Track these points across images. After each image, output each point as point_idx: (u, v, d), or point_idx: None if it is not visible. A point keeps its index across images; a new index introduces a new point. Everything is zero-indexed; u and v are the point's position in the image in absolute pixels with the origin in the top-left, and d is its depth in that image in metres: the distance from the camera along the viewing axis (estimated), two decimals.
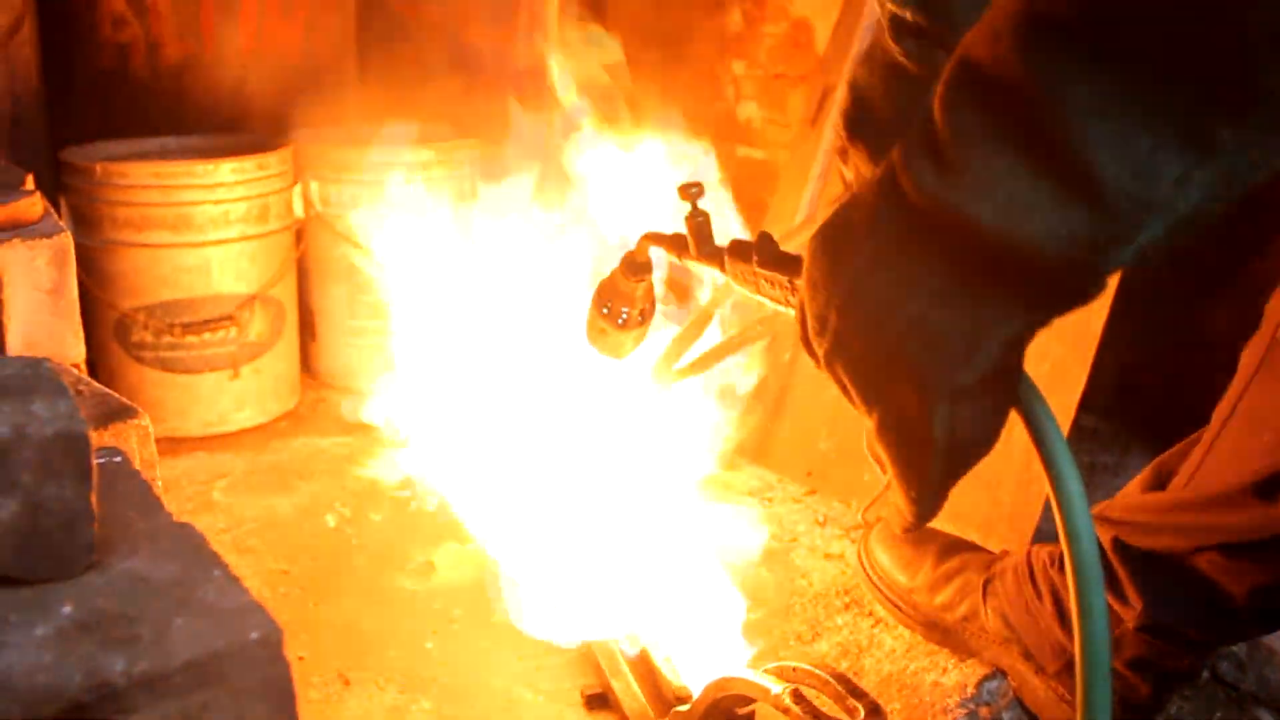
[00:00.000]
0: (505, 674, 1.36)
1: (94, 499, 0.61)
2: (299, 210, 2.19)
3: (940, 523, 0.87)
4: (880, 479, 0.70)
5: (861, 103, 1.01)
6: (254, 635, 0.56)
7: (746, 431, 1.88)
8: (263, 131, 2.30)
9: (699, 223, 1.03)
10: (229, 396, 2.05)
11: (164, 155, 2.17)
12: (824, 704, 0.89)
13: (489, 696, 1.32)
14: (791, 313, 0.86)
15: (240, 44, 2.36)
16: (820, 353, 0.69)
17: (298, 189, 2.18)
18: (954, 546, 1.48)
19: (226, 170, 2.00)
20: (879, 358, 0.64)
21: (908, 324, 0.62)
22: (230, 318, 2.02)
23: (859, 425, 0.69)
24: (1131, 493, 1.29)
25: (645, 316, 1.18)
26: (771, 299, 0.90)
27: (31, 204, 1.44)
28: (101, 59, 2.31)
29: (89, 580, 0.61)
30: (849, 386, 0.68)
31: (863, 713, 0.87)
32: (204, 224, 2.00)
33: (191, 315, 2.01)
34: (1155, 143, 0.53)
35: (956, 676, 1.37)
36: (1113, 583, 1.24)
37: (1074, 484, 0.61)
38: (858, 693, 0.89)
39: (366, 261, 2.15)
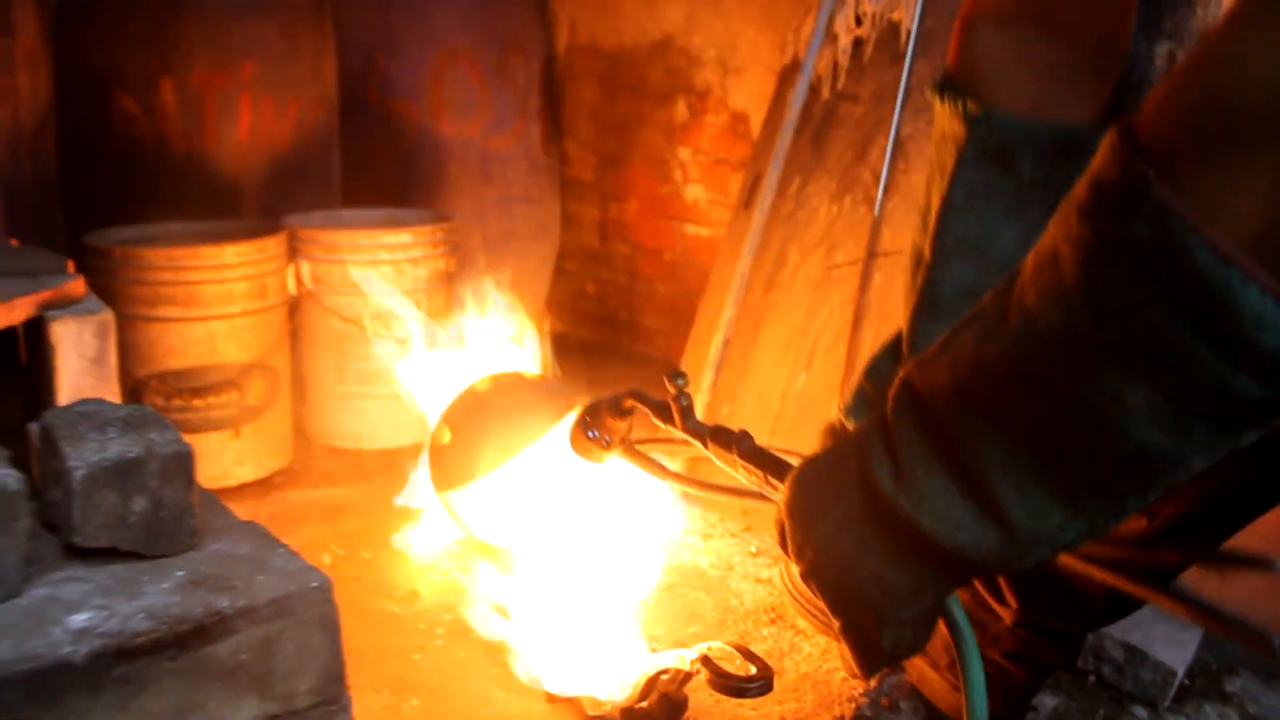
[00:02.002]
0: (482, 678, 1.61)
1: (195, 499, 0.87)
2: (292, 287, 2.45)
3: None
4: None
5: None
6: (314, 584, 0.82)
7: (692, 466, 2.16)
8: (256, 215, 2.57)
9: (684, 405, 1.18)
10: (232, 453, 2.30)
11: (169, 239, 2.43)
12: (730, 669, 1.16)
13: (468, 695, 1.57)
14: (752, 485, 1.07)
15: (238, 139, 2.64)
16: (798, 569, 0.91)
17: (291, 269, 2.45)
18: None
19: (230, 253, 2.27)
20: (845, 591, 0.85)
21: (868, 574, 0.83)
22: (233, 383, 2.28)
23: None
24: None
25: (623, 442, 1.36)
26: (747, 479, 1.07)
27: (76, 285, 1.71)
28: (113, 153, 2.59)
29: (191, 555, 0.87)
30: (819, 596, 0.90)
31: (754, 669, 1.13)
32: (209, 300, 2.26)
33: (198, 381, 2.26)
34: (1043, 496, 0.71)
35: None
36: (994, 588, 1.44)
37: (977, 671, 0.86)
38: (754, 659, 1.15)
39: (352, 333, 2.42)
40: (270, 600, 0.80)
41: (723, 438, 1.08)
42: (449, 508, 1.94)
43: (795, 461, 0.95)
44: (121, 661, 0.74)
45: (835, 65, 2.27)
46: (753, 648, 1.67)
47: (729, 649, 1.19)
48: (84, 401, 0.93)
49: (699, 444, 1.14)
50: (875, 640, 0.84)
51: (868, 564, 0.81)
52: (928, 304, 1.25)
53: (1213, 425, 0.65)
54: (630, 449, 1.35)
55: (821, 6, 2.28)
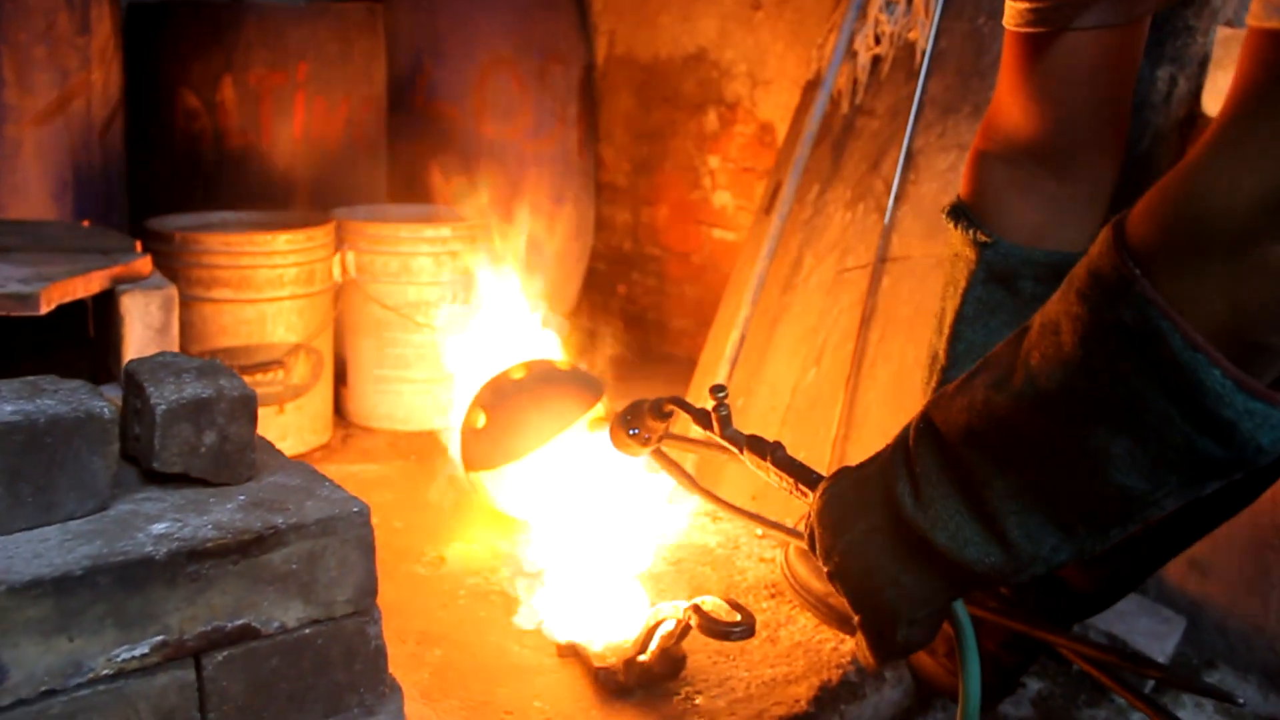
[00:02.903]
0: (500, 634, 1.75)
1: (256, 436, 1.02)
2: (337, 275, 2.62)
3: None
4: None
5: None
6: (354, 509, 0.97)
7: (701, 464, 2.29)
8: (307, 207, 2.74)
9: (723, 415, 1.31)
10: (275, 429, 2.46)
11: (226, 227, 2.61)
12: (719, 618, 1.29)
13: (486, 648, 1.71)
14: (783, 488, 1.21)
15: (292, 135, 2.82)
16: (825, 568, 1.04)
17: (337, 257, 2.61)
18: None
19: (282, 240, 2.43)
20: (867, 593, 0.97)
21: (888, 579, 0.95)
22: (280, 362, 2.45)
23: None
24: None
25: (659, 439, 1.50)
26: (778, 484, 1.21)
27: (144, 263, 1.87)
28: (176, 146, 2.77)
29: (250, 485, 1.02)
30: (842, 594, 1.03)
31: (739, 617, 1.26)
32: (261, 284, 2.43)
33: (248, 359, 2.43)
34: (1040, 523, 0.85)
35: (850, 645, 1.75)
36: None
37: (974, 665, 0.98)
38: (740, 609, 1.28)
39: (392, 320, 2.58)
40: (317, 520, 0.95)
41: (757, 446, 1.23)
42: (478, 484, 2.09)
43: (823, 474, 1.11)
44: (193, 561, 0.89)
45: (854, 81, 2.40)
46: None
47: (719, 601, 1.33)
48: (162, 354, 1.08)
49: (735, 450, 1.27)
50: (890, 635, 0.98)
51: (888, 571, 0.95)
52: None
53: (1183, 476, 0.80)
54: (663, 455, 1.50)
55: (843, 26, 2.42)
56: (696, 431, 1.39)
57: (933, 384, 1.44)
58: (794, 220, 2.41)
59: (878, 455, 1.00)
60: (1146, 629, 1.99)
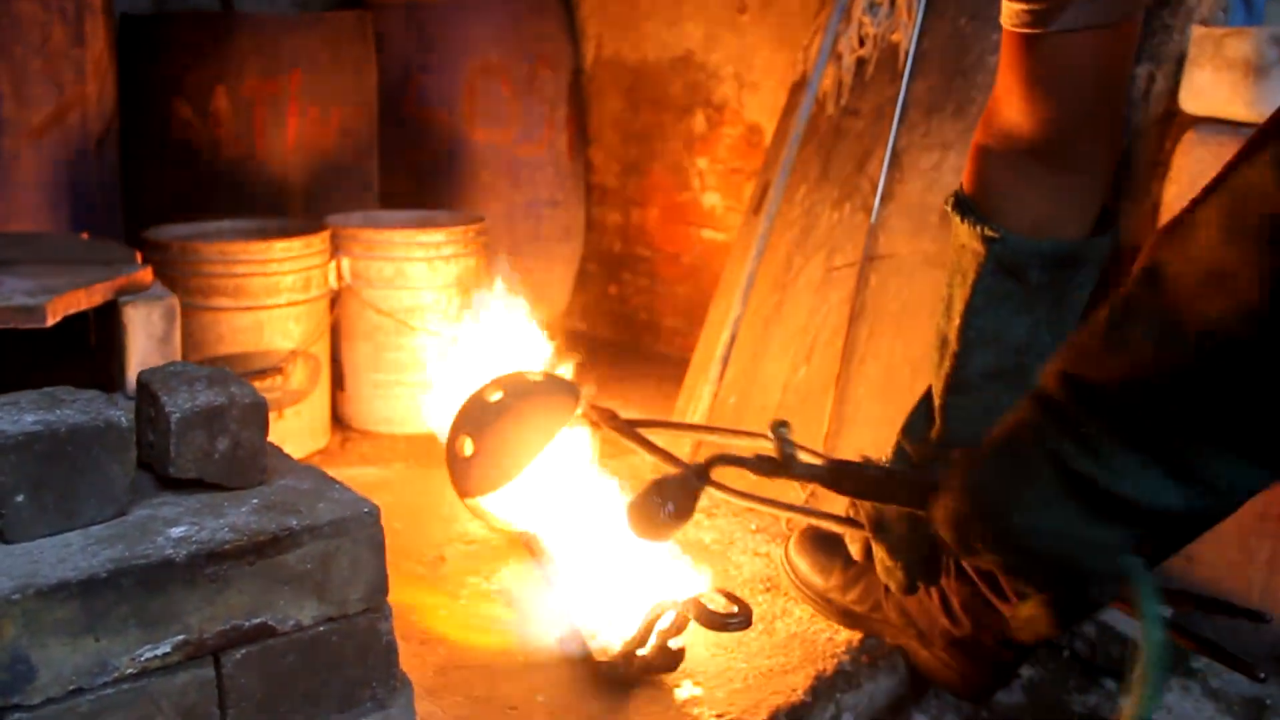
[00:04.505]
0: (501, 632, 1.79)
1: (267, 442, 1.06)
2: (333, 281, 2.65)
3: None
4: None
5: None
6: (365, 510, 1.01)
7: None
8: (301, 214, 2.77)
9: (789, 453, 1.23)
10: (275, 434, 2.43)
11: (221, 236, 2.64)
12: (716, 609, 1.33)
13: (486, 645, 1.75)
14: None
15: (285, 144, 2.85)
16: (991, 559, 1.00)
17: (333, 264, 2.64)
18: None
19: (277, 249, 2.46)
20: (1055, 561, 0.96)
21: (1076, 542, 0.94)
22: (278, 369, 2.48)
23: None
24: None
25: (690, 513, 1.33)
26: (862, 507, 1.22)
27: (146, 274, 1.90)
28: (171, 156, 2.80)
29: (262, 488, 1.06)
30: (1020, 579, 1.03)
31: (736, 608, 1.30)
32: (257, 292, 2.46)
33: (245, 366, 2.45)
34: (1236, 458, 0.85)
35: (845, 636, 1.80)
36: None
37: (1156, 620, 0.94)
38: (737, 601, 1.32)
39: (387, 324, 2.61)
40: (330, 521, 0.99)
41: (848, 471, 1.20)
42: (476, 509, 2.10)
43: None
44: (212, 563, 0.92)
45: (839, 82, 2.44)
46: None
47: (716, 594, 1.37)
48: (173, 363, 1.12)
49: (821, 485, 1.22)
50: (1082, 596, 0.98)
51: (1075, 532, 0.94)
52: (955, 383, 1.48)
53: None
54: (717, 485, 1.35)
55: (828, 28, 2.46)
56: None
57: (945, 367, 1.49)
58: (782, 220, 2.45)
59: (1014, 429, 0.98)
60: None
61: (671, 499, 1.25)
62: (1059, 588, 0.98)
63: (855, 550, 1.69)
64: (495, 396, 2.06)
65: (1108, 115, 1.35)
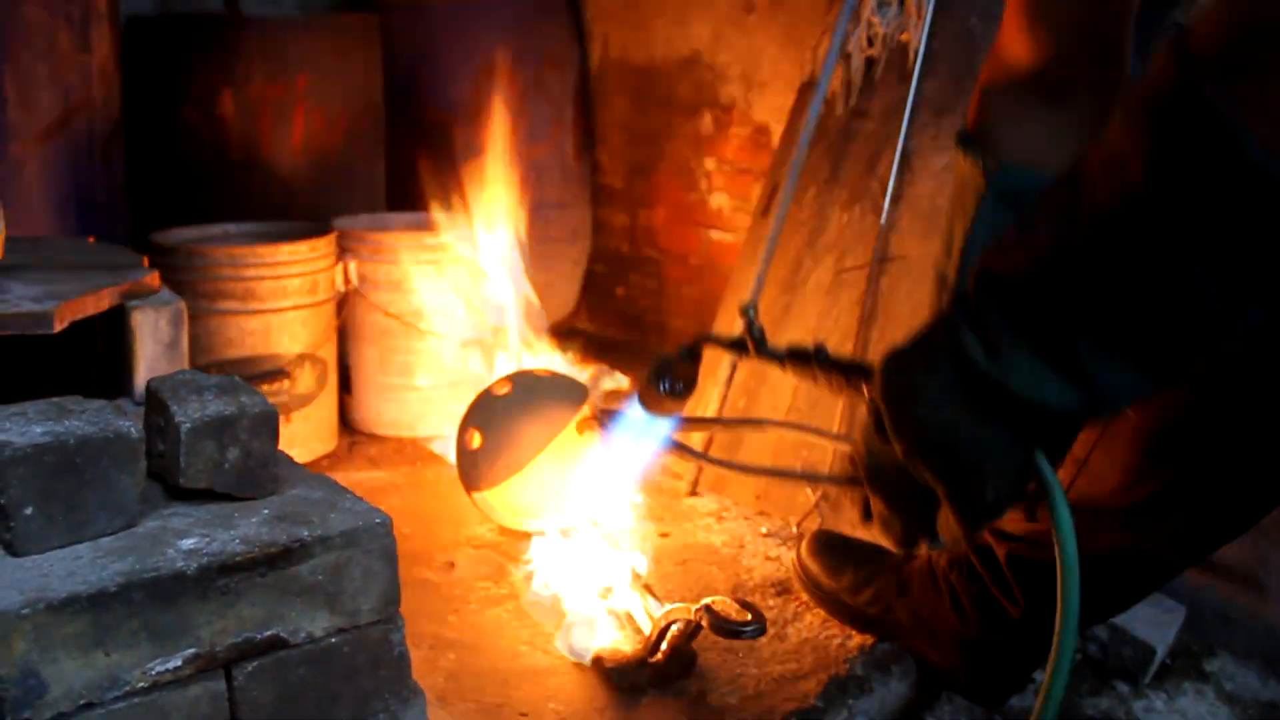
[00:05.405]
0: (511, 637, 1.78)
1: (278, 451, 1.05)
2: (340, 284, 2.64)
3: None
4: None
5: None
6: (377, 520, 1.00)
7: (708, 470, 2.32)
8: (308, 217, 2.76)
9: (757, 336, 1.32)
10: (283, 438, 2.42)
11: (228, 239, 2.63)
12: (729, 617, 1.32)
13: (499, 651, 1.74)
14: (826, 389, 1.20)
15: (292, 146, 2.84)
16: (899, 449, 1.00)
17: (339, 267, 2.63)
18: (868, 555, 1.87)
19: (284, 252, 2.46)
20: (949, 455, 0.97)
21: (967, 436, 0.95)
22: (286, 373, 2.47)
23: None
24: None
25: (690, 390, 1.50)
26: (826, 387, 1.20)
27: (153, 278, 1.89)
28: (177, 159, 2.79)
29: (273, 498, 1.05)
30: (923, 468, 1.02)
31: (750, 616, 1.29)
32: (264, 295, 2.45)
33: (253, 370, 2.45)
34: (1118, 356, 0.86)
35: (857, 640, 1.79)
36: (1005, 587, 1.59)
37: (1065, 515, 0.97)
38: (750, 609, 1.31)
39: (395, 327, 2.60)
40: (341, 532, 0.98)
41: (800, 355, 1.23)
42: (483, 503, 2.10)
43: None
44: (223, 575, 0.92)
45: (848, 83, 2.43)
46: None
47: (729, 601, 1.35)
48: (182, 372, 1.11)
49: (778, 365, 1.28)
50: (980, 495, 0.99)
51: (967, 427, 0.95)
52: None
53: (1264, 286, 0.81)
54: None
55: (837, 28, 2.44)
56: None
57: (943, 304, 1.47)
58: (792, 221, 2.44)
59: (934, 322, 1.00)
60: (1147, 618, 2.02)
61: (668, 378, 1.40)
62: (955, 483, 0.98)
63: (858, 513, 1.69)
64: (503, 391, 2.09)
65: (1104, 59, 1.36)
